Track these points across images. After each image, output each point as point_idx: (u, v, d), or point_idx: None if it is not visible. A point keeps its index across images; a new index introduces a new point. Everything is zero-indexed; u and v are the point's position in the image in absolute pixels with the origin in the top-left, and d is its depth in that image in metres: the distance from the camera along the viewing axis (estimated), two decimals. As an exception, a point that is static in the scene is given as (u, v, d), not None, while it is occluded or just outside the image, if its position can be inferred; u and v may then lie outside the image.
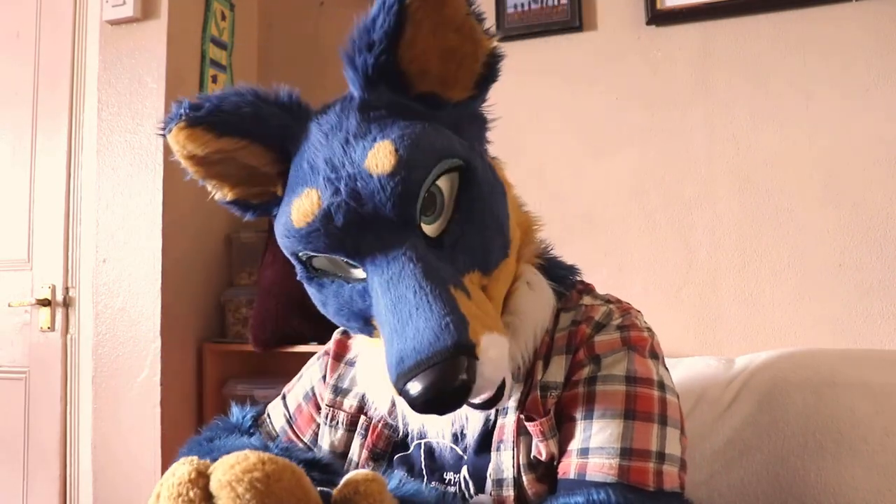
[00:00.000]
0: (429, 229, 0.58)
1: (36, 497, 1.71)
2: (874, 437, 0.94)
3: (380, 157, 0.55)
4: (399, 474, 0.61)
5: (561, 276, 0.71)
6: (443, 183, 0.58)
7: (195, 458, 0.45)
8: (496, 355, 0.52)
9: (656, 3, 1.51)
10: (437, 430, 0.66)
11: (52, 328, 1.71)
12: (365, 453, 0.71)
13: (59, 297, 1.71)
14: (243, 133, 0.63)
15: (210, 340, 1.62)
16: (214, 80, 1.65)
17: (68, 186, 1.74)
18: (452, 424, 0.66)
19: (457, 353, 0.49)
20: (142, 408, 1.49)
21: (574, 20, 1.58)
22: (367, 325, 0.61)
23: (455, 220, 0.58)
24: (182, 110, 0.61)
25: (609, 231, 1.55)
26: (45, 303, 1.71)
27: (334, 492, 0.46)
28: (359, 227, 0.56)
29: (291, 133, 0.64)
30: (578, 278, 0.74)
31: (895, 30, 1.39)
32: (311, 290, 0.65)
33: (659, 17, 1.52)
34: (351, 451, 0.72)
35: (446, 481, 0.67)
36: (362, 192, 0.55)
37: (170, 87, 1.52)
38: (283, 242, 0.62)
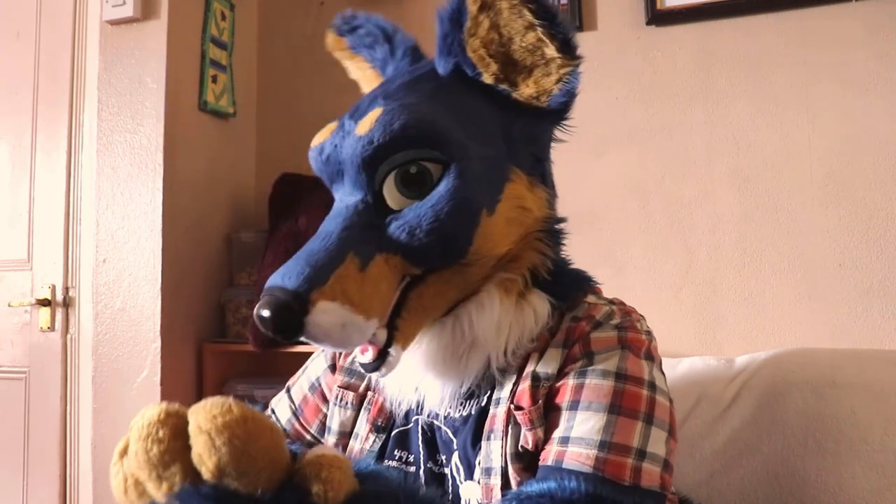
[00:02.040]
0: (400, 202, 0.62)
1: (36, 497, 1.71)
2: (874, 437, 0.94)
3: (366, 118, 0.62)
4: (369, 457, 0.65)
5: (564, 293, 0.70)
6: (434, 169, 0.61)
7: (164, 402, 0.46)
8: (325, 321, 0.55)
9: (656, 3, 1.51)
10: (430, 404, 0.68)
11: (52, 328, 1.71)
12: (367, 426, 0.73)
13: (59, 297, 1.71)
14: (365, 57, 0.81)
15: (210, 340, 1.62)
16: (214, 80, 1.65)
17: (68, 186, 1.74)
18: (441, 403, 0.68)
19: (288, 299, 0.55)
20: (142, 408, 1.48)
21: (574, 20, 1.58)
22: None
23: (414, 206, 0.61)
24: (338, 20, 0.81)
25: (609, 231, 1.55)
26: (45, 303, 1.71)
27: (300, 462, 0.47)
28: (333, 168, 0.65)
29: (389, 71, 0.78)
30: (586, 287, 0.74)
31: (895, 29, 1.39)
32: None
33: (659, 17, 1.52)
34: (356, 426, 0.75)
35: (439, 463, 0.69)
36: (343, 143, 0.64)
37: (170, 87, 1.52)
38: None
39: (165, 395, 1.47)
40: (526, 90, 0.66)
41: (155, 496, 0.44)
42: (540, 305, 0.68)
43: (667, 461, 0.61)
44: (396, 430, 0.72)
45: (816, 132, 1.42)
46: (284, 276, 0.56)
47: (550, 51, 0.63)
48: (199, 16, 1.62)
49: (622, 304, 0.72)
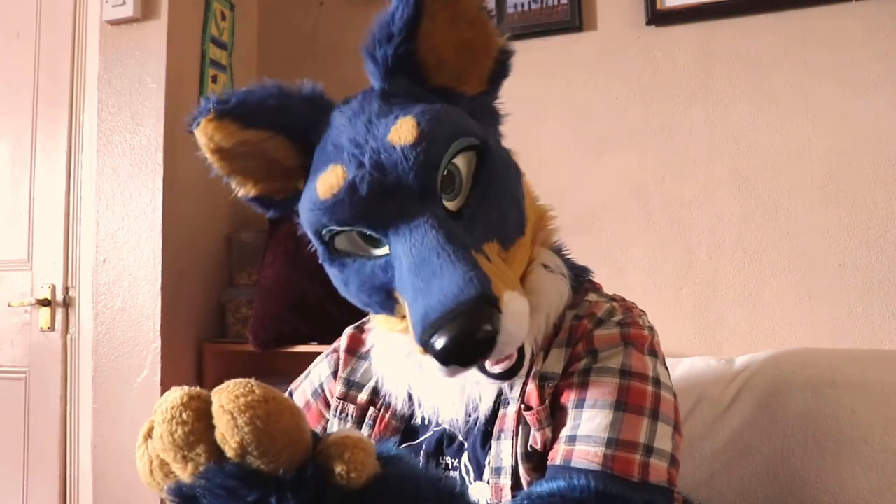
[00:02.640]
0: (449, 205, 0.60)
1: (36, 497, 1.71)
2: (874, 437, 0.94)
3: (402, 130, 0.58)
4: (391, 441, 0.63)
5: (574, 272, 0.73)
6: (460, 161, 0.60)
7: (186, 386, 0.46)
8: (518, 310, 0.53)
9: (656, 3, 1.51)
10: (451, 412, 0.67)
11: (52, 328, 1.71)
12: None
13: (59, 297, 1.71)
14: (268, 124, 0.66)
15: (210, 340, 1.62)
16: (214, 80, 1.65)
17: (68, 186, 1.74)
18: (467, 406, 0.67)
19: (482, 304, 0.50)
20: (142, 408, 1.48)
21: (574, 20, 1.58)
22: (388, 298, 0.63)
23: (473, 195, 0.61)
24: (210, 104, 0.64)
25: (609, 231, 1.55)
26: (45, 303, 1.71)
27: (323, 443, 0.47)
28: (382, 197, 0.58)
29: (314, 124, 0.66)
30: (588, 277, 0.77)
31: (895, 29, 1.39)
32: (332, 272, 0.67)
33: (659, 17, 1.52)
34: None
35: (446, 465, 0.69)
36: (386, 163, 0.57)
37: (170, 87, 1.52)
38: (308, 217, 0.63)
39: (165, 395, 1.47)
40: (474, 77, 0.66)
41: (181, 476, 0.45)
42: (562, 283, 0.69)
43: (673, 456, 0.61)
44: (404, 446, 0.71)
45: (816, 132, 1.42)
46: (450, 296, 0.51)
47: (490, 29, 0.65)
48: (199, 16, 1.62)
49: (623, 300, 0.72)
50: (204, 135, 0.65)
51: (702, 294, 1.47)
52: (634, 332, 0.66)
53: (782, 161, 1.44)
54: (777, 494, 0.97)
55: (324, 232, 0.62)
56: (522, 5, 1.63)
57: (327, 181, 0.60)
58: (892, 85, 1.38)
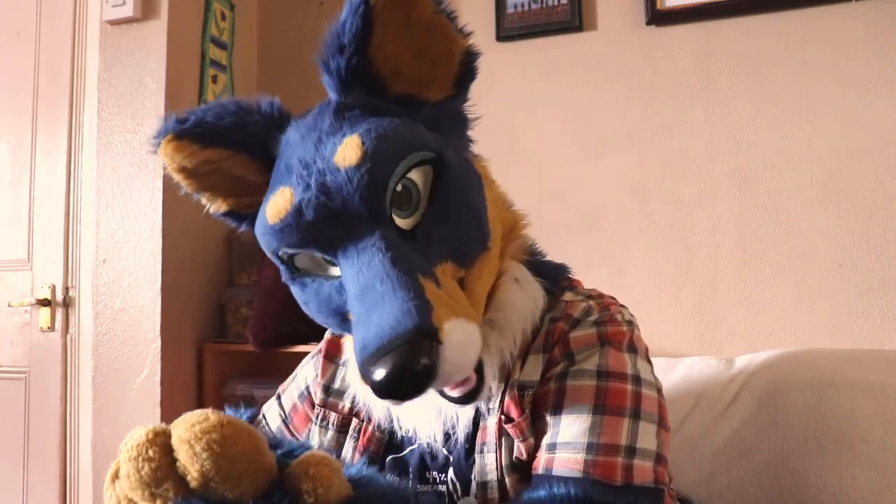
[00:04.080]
0: (403, 223, 0.57)
1: (36, 497, 1.71)
2: (874, 437, 0.94)
3: (347, 150, 0.56)
4: (360, 461, 0.61)
5: (550, 274, 0.70)
6: (416, 176, 0.58)
7: (151, 424, 0.46)
8: (461, 340, 0.51)
9: (656, 3, 1.51)
10: (428, 431, 0.66)
11: (52, 328, 1.71)
12: (357, 456, 0.70)
13: (59, 297, 1.71)
14: (227, 143, 0.65)
15: (210, 340, 1.62)
16: (214, 80, 1.65)
17: (68, 186, 1.74)
18: (444, 425, 0.65)
19: (418, 336, 0.48)
20: (142, 408, 1.48)
21: (574, 20, 1.58)
22: (344, 321, 0.61)
23: (429, 212, 0.58)
24: (168, 125, 0.64)
25: (609, 231, 1.55)
26: (45, 303, 1.71)
27: (289, 466, 0.47)
28: (329, 221, 0.56)
29: (273, 140, 0.65)
30: (567, 275, 0.74)
31: (895, 29, 1.39)
32: (294, 290, 0.65)
33: (659, 17, 1.52)
34: (343, 453, 0.72)
35: (432, 481, 0.67)
36: (331, 186, 0.56)
37: (170, 87, 1.52)
38: (261, 240, 0.62)
39: (165, 395, 1.47)
40: (436, 83, 0.63)
41: None
42: (536, 290, 0.67)
43: (659, 454, 0.60)
44: (390, 458, 0.70)
45: (816, 132, 1.42)
46: (383, 328, 0.49)
47: (451, 32, 0.61)
48: (199, 16, 1.62)
49: (600, 296, 0.70)
50: (165, 155, 0.66)
51: (702, 294, 1.47)
52: (611, 331, 0.65)
53: (782, 161, 1.44)
54: (777, 494, 0.97)
55: (280, 253, 0.61)
56: (522, 5, 1.63)
57: (276, 205, 0.59)
58: (892, 85, 1.38)
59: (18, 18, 1.82)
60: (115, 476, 0.47)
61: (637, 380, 0.63)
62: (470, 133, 0.70)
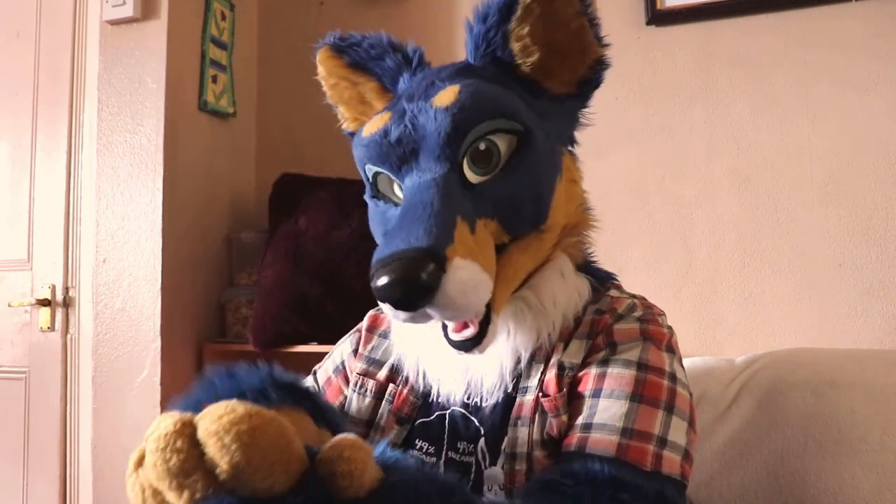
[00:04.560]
0: (474, 178, 0.63)
1: (36, 497, 1.71)
2: (874, 437, 0.94)
3: (444, 95, 0.63)
4: (384, 443, 0.62)
5: (598, 275, 0.76)
6: (501, 142, 0.63)
7: (176, 412, 0.45)
8: (464, 278, 0.55)
9: (656, 3, 1.51)
10: (454, 388, 0.69)
11: (52, 328, 1.71)
12: (391, 417, 0.74)
13: (59, 297, 1.71)
14: (368, 69, 0.76)
15: (210, 340, 1.62)
16: (214, 80, 1.65)
17: (68, 186, 1.74)
18: (469, 385, 0.68)
19: (424, 256, 0.53)
20: (142, 408, 1.48)
21: (574, 20, 1.58)
22: None
23: (497, 176, 0.63)
24: (331, 37, 0.77)
25: (609, 231, 1.54)
26: (45, 303, 1.71)
27: (321, 451, 0.46)
28: (406, 147, 0.63)
29: (405, 80, 0.74)
30: (614, 280, 0.79)
31: (895, 29, 1.39)
32: (370, 210, 0.72)
33: (659, 17, 1.52)
34: (378, 416, 0.75)
35: (461, 450, 0.69)
36: (420, 120, 0.63)
37: (170, 87, 1.52)
38: (355, 151, 0.70)
39: (165, 395, 1.47)
40: (561, 77, 0.69)
41: None
42: (581, 283, 0.71)
43: (687, 451, 0.62)
44: (419, 422, 0.73)
45: (816, 132, 1.42)
46: (405, 241, 0.54)
47: (589, 37, 0.69)
48: (199, 16, 1.62)
49: (643, 299, 0.75)
50: (321, 62, 0.78)
51: (702, 294, 1.47)
52: (653, 329, 0.68)
53: (782, 161, 1.44)
54: (777, 494, 0.97)
55: (367, 167, 0.68)
56: (522, 5, 1.62)
57: (373, 123, 0.66)
58: (892, 85, 1.38)
59: (18, 18, 1.82)
60: (139, 463, 0.46)
61: (673, 378, 0.65)
62: (577, 134, 0.78)
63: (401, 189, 0.66)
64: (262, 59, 1.88)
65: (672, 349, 0.68)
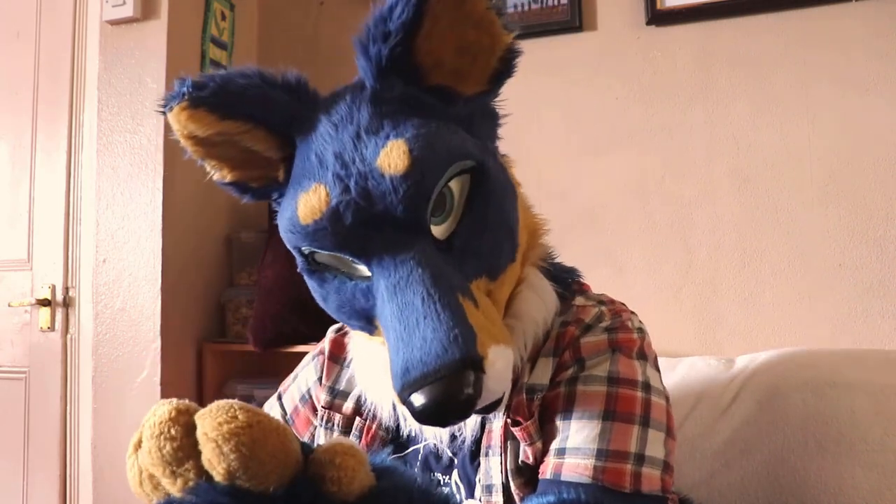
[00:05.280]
0: (437, 230, 0.57)
1: (36, 497, 1.71)
2: (874, 437, 0.94)
3: (393, 156, 0.54)
4: (385, 451, 0.61)
5: (562, 278, 0.70)
6: (454, 183, 0.57)
7: (174, 398, 0.45)
8: (502, 367, 0.51)
9: (656, 3, 1.51)
10: (434, 433, 0.66)
11: (52, 328, 1.71)
12: None
13: (59, 297, 1.71)
14: (247, 117, 0.61)
15: (210, 340, 1.62)
16: (214, 80, 1.65)
17: (68, 186, 1.74)
18: (450, 428, 0.65)
19: (464, 367, 0.48)
20: (142, 408, 1.48)
21: (574, 20, 1.58)
22: (369, 324, 0.60)
23: (465, 223, 0.57)
24: (185, 89, 0.59)
25: (609, 231, 1.55)
26: (45, 303, 1.71)
27: (314, 452, 0.47)
28: (367, 228, 0.55)
29: (297, 119, 0.62)
30: (577, 278, 0.74)
31: (895, 29, 1.39)
32: (311, 284, 0.63)
33: (659, 17, 1.52)
34: None
35: (437, 482, 0.67)
36: (373, 192, 0.54)
37: (170, 88, 1.51)
38: (287, 237, 0.60)
39: (165, 395, 1.47)
40: (474, 77, 0.61)
41: (170, 490, 0.45)
42: (551, 296, 0.67)
43: (666, 462, 0.60)
44: (392, 458, 0.69)
45: (816, 132, 1.42)
46: (433, 354, 0.49)
47: (497, 28, 0.59)
48: (199, 16, 1.62)
49: (611, 301, 0.70)
50: (177, 122, 0.61)
51: (702, 294, 1.47)
52: (622, 338, 0.64)
53: (782, 161, 1.44)
54: (777, 494, 0.97)
55: (303, 248, 0.59)
56: (522, 5, 1.63)
57: (309, 204, 0.56)
58: (892, 85, 1.38)
59: (18, 18, 1.82)
60: (138, 445, 0.46)
61: (647, 387, 0.62)
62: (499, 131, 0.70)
63: (359, 264, 0.58)
64: (262, 59, 1.88)
65: (643, 355, 0.64)
